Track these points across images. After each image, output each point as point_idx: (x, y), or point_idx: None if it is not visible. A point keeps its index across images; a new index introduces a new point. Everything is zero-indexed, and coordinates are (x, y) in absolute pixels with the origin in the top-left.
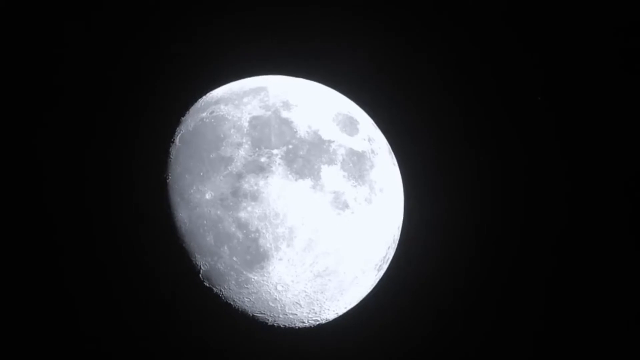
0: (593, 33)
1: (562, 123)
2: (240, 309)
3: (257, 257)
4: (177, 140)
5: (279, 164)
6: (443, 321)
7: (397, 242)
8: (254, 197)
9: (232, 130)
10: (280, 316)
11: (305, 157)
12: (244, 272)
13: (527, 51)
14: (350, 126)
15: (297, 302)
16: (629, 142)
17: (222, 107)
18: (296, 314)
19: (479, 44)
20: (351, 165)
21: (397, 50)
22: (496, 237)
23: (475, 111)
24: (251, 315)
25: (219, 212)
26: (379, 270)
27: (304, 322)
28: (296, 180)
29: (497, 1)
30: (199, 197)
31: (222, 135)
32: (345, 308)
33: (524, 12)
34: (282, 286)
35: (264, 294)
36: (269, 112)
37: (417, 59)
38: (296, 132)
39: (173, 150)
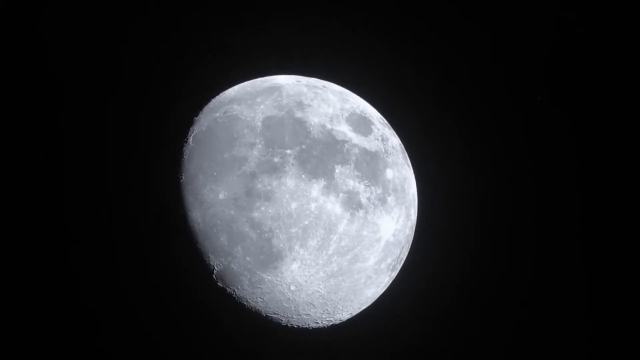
0: (593, 33)
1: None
2: (253, 309)
3: (270, 257)
4: (190, 140)
5: (293, 164)
6: (457, 321)
7: (410, 242)
8: (268, 197)
9: (245, 130)
10: (294, 316)
11: (319, 157)
12: (258, 272)
13: (531, 52)
14: (363, 126)
15: (310, 303)
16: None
17: (235, 107)
18: (310, 315)
19: (487, 46)
20: (365, 165)
21: (411, 50)
22: (511, 238)
23: (488, 112)
24: (265, 315)
25: (232, 212)
26: (392, 271)
27: (317, 323)
28: (309, 180)
29: (506, 3)
30: (212, 197)
31: (235, 135)
32: (359, 308)
33: (531, 14)
34: (296, 286)
35: (277, 294)
36: (283, 112)
37: (431, 59)
38: (309, 132)
39: (186, 150)
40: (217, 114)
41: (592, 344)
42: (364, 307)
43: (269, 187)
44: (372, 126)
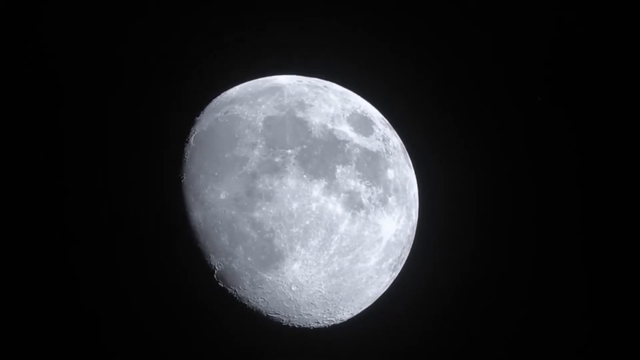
0: (593, 33)
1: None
2: (254, 309)
3: (271, 257)
4: (191, 140)
5: (294, 164)
6: (457, 321)
7: (411, 242)
8: (269, 197)
9: (246, 130)
10: (295, 316)
11: (320, 157)
12: (259, 272)
13: (531, 52)
14: (364, 126)
15: (311, 303)
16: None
17: (236, 107)
18: (311, 315)
19: (487, 46)
20: (366, 165)
21: (411, 50)
22: (511, 238)
23: (488, 112)
24: (266, 315)
25: (233, 212)
26: (393, 271)
27: (318, 323)
28: (311, 180)
29: (506, 3)
30: (213, 197)
31: (236, 135)
32: (360, 308)
33: (531, 14)
34: (297, 286)
35: (278, 294)
36: (284, 112)
37: (431, 59)
38: (310, 132)
39: (188, 150)
40: (219, 114)
41: (592, 344)
42: (365, 307)
43: (270, 187)
44: (373, 126)
